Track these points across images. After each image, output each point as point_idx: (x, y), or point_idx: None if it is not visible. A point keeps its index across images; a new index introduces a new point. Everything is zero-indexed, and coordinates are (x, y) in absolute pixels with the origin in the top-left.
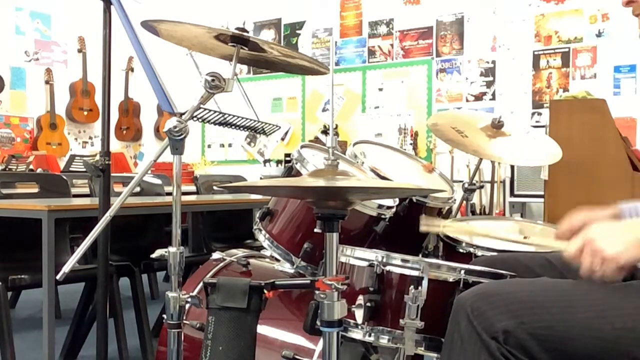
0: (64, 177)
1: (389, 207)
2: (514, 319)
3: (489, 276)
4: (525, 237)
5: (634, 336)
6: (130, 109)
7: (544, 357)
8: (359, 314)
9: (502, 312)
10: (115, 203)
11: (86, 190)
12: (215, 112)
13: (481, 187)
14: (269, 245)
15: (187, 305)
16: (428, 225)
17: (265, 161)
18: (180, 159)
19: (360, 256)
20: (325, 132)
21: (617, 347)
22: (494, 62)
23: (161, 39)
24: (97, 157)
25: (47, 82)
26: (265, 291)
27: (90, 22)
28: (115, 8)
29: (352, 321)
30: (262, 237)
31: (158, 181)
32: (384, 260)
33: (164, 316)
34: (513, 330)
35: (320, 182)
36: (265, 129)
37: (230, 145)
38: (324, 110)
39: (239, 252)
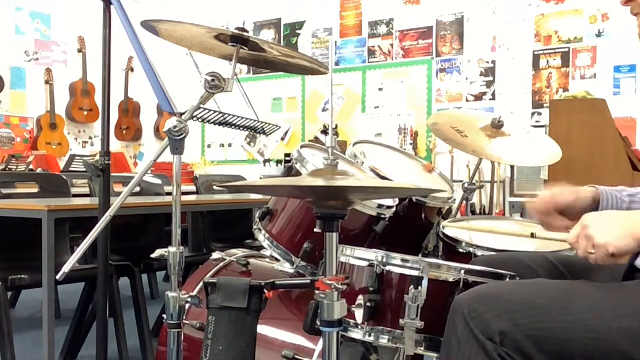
0: (64, 177)
1: (389, 207)
2: (511, 321)
3: (489, 276)
4: (532, 235)
5: (630, 336)
6: (130, 109)
7: (541, 358)
8: (359, 314)
9: (498, 314)
10: (115, 203)
11: (86, 190)
12: (215, 112)
13: (481, 187)
14: (269, 245)
15: (187, 305)
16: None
17: (265, 161)
18: (180, 159)
19: (360, 256)
20: (325, 132)
21: (613, 347)
22: (494, 62)
23: (161, 39)
24: (97, 157)
25: (47, 82)
26: (265, 291)
27: (90, 22)
28: (115, 8)
29: (352, 321)
30: (262, 237)
31: (158, 181)
32: (384, 260)
33: (164, 316)
34: (509, 331)
35: (320, 182)
36: (265, 129)
37: (230, 145)
38: (324, 110)
39: (239, 252)
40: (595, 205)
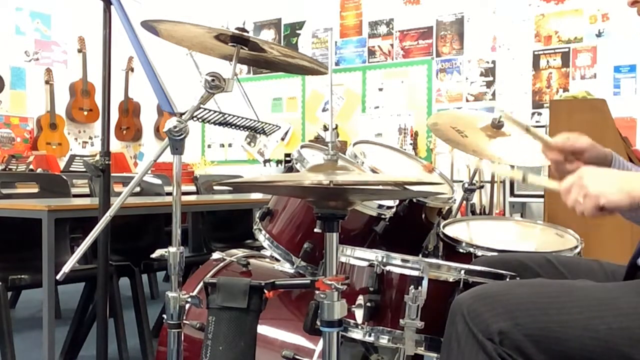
0: (64, 177)
1: (389, 207)
2: (510, 321)
3: (489, 276)
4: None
5: (629, 336)
6: (130, 109)
7: (540, 357)
8: (359, 314)
9: (497, 313)
10: (115, 203)
11: (86, 190)
12: (215, 112)
13: (481, 187)
14: (269, 245)
15: (187, 305)
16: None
17: (265, 161)
18: (180, 159)
19: (360, 256)
20: (326, 128)
21: (612, 347)
22: (494, 62)
23: (161, 39)
24: (97, 157)
25: (47, 82)
26: (265, 291)
27: (90, 22)
28: (115, 8)
29: (352, 321)
30: (262, 237)
31: (158, 181)
32: (384, 260)
33: (164, 316)
34: (509, 331)
35: (321, 177)
36: (265, 129)
37: (230, 145)
38: (324, 110)
39: (239, 252)
40: (607, 163)
